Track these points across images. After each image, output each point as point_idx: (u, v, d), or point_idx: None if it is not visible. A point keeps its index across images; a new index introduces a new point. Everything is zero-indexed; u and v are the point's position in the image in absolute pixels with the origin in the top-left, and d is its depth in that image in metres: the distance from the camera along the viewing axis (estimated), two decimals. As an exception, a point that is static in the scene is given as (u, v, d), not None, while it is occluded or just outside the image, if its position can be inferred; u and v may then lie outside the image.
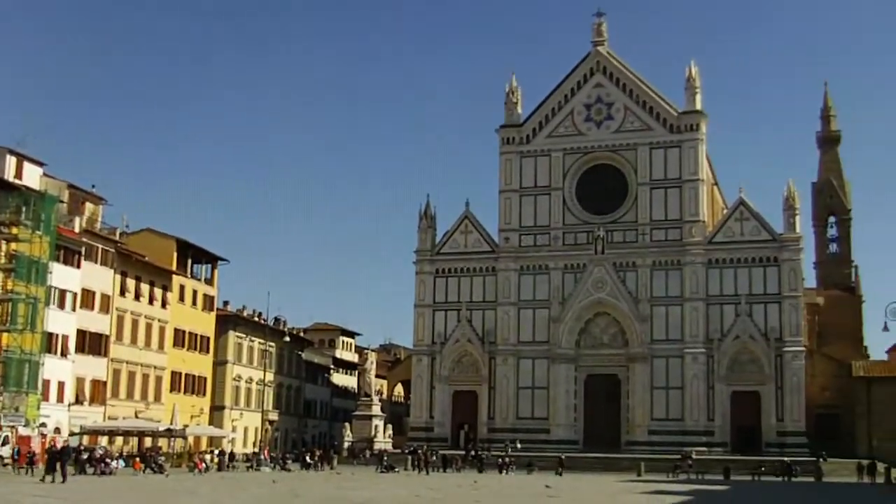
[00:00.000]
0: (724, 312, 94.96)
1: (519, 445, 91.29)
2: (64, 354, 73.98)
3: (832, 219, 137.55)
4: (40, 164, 76.29)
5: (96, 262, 78.24)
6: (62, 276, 72.83)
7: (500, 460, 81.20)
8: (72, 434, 72.19)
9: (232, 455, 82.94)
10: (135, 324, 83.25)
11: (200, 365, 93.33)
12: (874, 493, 61.97)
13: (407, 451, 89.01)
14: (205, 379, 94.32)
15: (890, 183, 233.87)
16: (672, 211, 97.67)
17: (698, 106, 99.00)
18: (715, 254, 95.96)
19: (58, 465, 50.84)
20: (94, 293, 77.76)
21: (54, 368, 71.82)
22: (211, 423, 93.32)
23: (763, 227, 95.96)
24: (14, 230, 68.15)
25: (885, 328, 64.48)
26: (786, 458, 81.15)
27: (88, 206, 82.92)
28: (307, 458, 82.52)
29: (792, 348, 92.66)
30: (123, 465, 69.75)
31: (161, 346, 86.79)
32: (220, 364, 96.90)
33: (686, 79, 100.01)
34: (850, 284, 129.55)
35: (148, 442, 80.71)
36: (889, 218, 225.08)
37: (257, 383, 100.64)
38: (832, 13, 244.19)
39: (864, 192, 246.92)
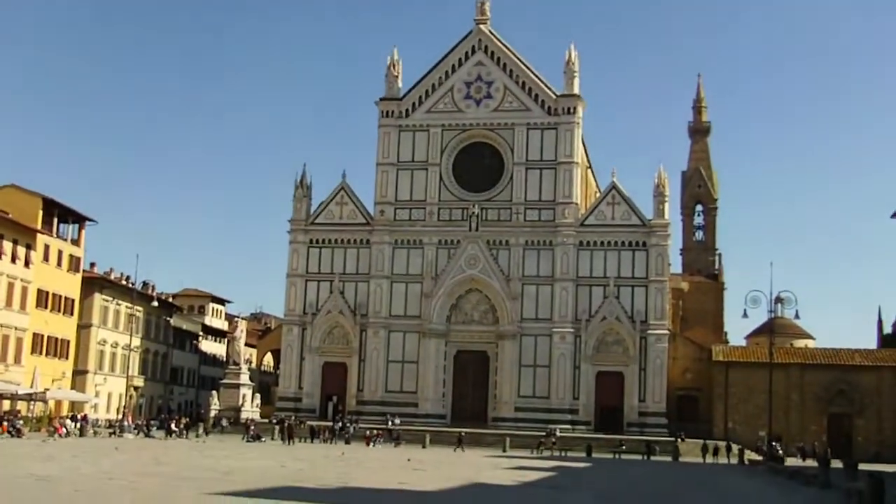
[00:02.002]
0: (592, 294, 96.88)
1: (398, 421, 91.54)
2: (-81, 312, 71.45)
3: (699, 207, 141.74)
4: None
5: (-44, 218, 75.52)
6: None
7: (367, 433, 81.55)
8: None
9: (85, 419, 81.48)
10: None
11: (64, 327, 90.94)
12: (723, 470, 64.26)
13: (275, 421, 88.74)
14: (68, 342, 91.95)
15: (754, 174, 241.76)
16: (546, 192, 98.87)
17: (576, 90, 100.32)
18: (586, 236, 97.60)
19: None
20: (-48, 250, 75.11)
21: None
22: (73, 387, 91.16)
23: (633, 211, 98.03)
24: None
25: (745, 315, 67.19)
26: (645, 438, 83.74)
27: (-51, 159, 80.00)
28: (172, 426, 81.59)
29: (656, 331, 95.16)
30: (-21, 428, 67.90)
31: (23, 307, 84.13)
32: (84, 327, 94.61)
33: (565, 62, 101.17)
34: (713, 272, 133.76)
35: (6, 405, 78.68)
36: (752, 208, 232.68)
37: (123, 348, 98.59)
38: (708, 7, 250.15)
39: (729, 182, 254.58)
